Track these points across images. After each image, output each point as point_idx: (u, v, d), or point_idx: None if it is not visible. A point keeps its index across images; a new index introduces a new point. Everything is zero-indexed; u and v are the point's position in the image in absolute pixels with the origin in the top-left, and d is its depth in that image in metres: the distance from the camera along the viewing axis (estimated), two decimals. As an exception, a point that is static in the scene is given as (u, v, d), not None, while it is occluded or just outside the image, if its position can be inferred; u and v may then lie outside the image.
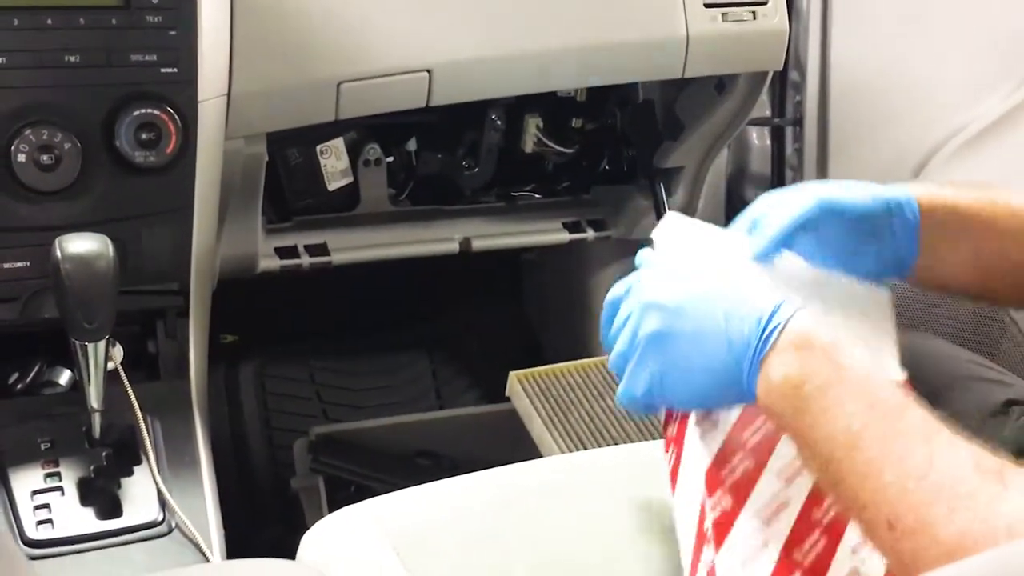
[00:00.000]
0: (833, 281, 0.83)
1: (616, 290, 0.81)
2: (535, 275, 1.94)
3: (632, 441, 1.20)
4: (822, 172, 1.66)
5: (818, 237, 0.82)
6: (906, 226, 0.86)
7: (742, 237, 0.84)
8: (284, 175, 1.44)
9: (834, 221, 0.83)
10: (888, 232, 0.85)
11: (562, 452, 1.25)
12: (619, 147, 1.62)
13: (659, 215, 1.59)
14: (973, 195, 0.89)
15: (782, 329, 0.70)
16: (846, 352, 0.69)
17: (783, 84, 1.68)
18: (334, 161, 1.47)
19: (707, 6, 1.37)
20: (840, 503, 0.71)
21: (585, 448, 1.26)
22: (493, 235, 1.58)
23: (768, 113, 1.70)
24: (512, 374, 1.30)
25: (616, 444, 1.26)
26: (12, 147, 1.01)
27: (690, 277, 0.76)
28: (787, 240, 0.82)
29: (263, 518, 1.40)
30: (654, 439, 1.14)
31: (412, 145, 1.54)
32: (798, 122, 1.66)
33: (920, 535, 0.64)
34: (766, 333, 0.70)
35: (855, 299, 0.83)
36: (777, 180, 1.72)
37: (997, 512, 0.60)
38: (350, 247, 1.49)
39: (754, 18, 1.39)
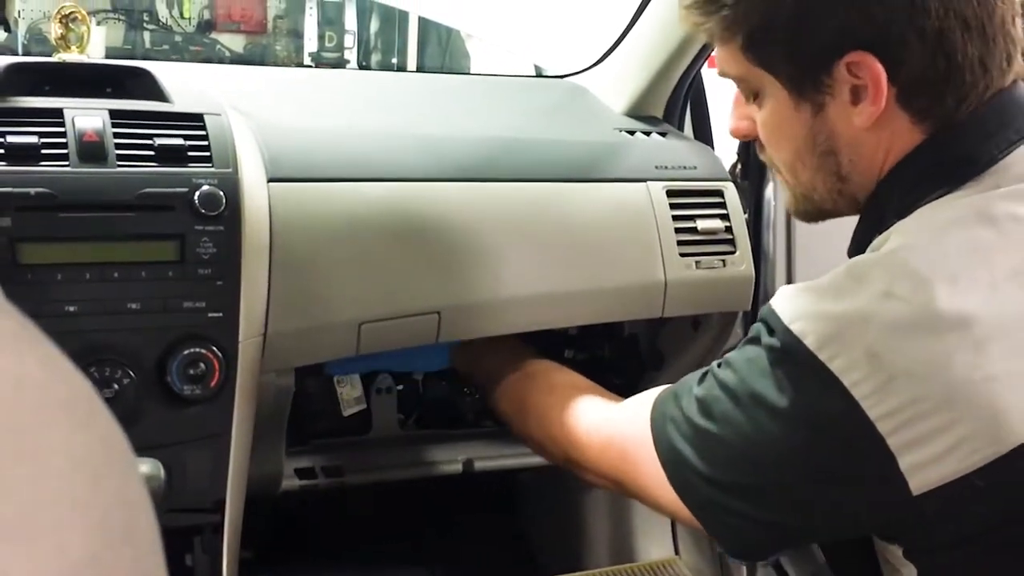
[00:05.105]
0: None
1: None
2: (531, 492, 1.99)
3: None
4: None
5: None
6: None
7: None
8: (305, 402, 1.51)
9: None
10: None
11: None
12: (607, 376, 1.60)
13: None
14: None
15: None
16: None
17: (754, 319, 1.73)
18: (349, 390, 1.57)
19: (682, 255, 1.46)
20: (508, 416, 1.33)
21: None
22: (493, 457, 1.64)
23: (741, 344, 1.79)
24: (511, 587, 1.38)
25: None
26: (77, 383, 1.12)
27: None
28: None
29: None
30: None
31: (419, 375, 1.63)
32: (769, 353, 1.74)
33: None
34: None
35: None
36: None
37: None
38: (363, 469, 1.56)
39: (724, 265, 1.49)
